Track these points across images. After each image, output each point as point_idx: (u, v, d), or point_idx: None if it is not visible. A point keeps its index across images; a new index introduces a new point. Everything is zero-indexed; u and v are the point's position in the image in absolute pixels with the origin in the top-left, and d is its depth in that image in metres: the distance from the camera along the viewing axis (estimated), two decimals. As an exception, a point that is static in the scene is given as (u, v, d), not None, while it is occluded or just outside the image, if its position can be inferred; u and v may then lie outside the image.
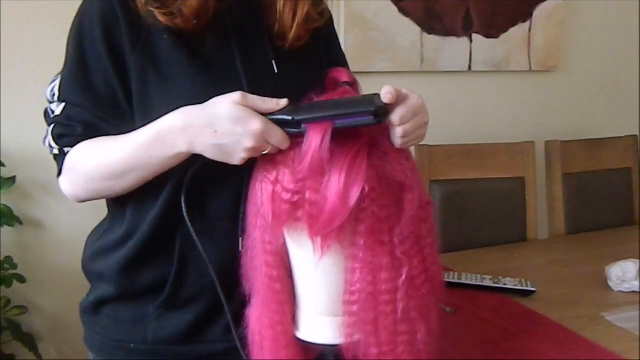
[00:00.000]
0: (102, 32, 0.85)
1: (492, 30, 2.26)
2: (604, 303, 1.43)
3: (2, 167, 1.69)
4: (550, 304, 1.42)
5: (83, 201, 0.92)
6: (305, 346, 0.86)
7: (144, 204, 0.90)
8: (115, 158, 0.85)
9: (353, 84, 0.89)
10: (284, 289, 0.84)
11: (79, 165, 0.88)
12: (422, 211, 0.83)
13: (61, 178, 0.91)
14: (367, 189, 0.76)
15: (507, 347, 1.23)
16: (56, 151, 0.90)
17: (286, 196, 0.77)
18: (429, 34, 2.16)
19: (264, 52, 0.92)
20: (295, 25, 0.92)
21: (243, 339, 0.87)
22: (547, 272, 1.68)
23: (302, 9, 0.93)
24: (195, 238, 0.85)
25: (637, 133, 2.31)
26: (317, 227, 0.77)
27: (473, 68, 2.26)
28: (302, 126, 0.77)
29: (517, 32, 2.29)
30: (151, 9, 0.84)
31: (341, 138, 0.77)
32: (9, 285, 1.69)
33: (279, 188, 0.78)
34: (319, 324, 0.85)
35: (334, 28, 1.07)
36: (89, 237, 1.01)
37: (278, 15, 0.92)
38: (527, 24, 2.30)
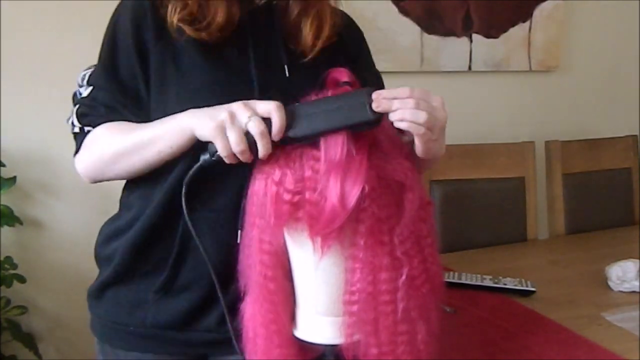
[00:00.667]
0: (133, 27, 0.93)
1: (492, 30, 2.26)
2: (604, 303, 1.43)
3: (2, 167, 1.69)
4: (550, 304, 1.42)
5: (94, 181, 0.97)
6: (305, 346, 0.86)
7: (150, 190, 0.95)
8: (130, 136, 0.90)
9: (353, 84, 0.89)
10: (279, 289, 0.85)
11: (96, 144, 0.94)
12: (422, 211, 0.83)
13: (77, 156, 0.97)
14: (367, 189, 0.76)
15: (507, 347, 1.23)
16: (77, 129, 0.96)
17: (287, 197, 0.78)
18: (429, 34, 2.16)
19: (277, 56, 0.96)
20: (317, 46, 0.97)
21: (237, 331, 0.88)
22: (547, 272, 1.68)
23: (325, 32, 0.97)
24: (192, 229, 0.87)
25: (637, 133, 2.31)
26: (318, 227, 0.77)
27: (473, 68, 2.26)
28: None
29: (517, 32, 2.29)
30: (180, 24, 0.90)
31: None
32: (9, 285, 1.69)
33: (281, 189, 0.79)
34: (319, 324, 0.85)
35: (365, 46, 1.10)
36: (102, 226, 1.05)
37: (302, 38, 0.97)
38: (527, 24, 2.30)
